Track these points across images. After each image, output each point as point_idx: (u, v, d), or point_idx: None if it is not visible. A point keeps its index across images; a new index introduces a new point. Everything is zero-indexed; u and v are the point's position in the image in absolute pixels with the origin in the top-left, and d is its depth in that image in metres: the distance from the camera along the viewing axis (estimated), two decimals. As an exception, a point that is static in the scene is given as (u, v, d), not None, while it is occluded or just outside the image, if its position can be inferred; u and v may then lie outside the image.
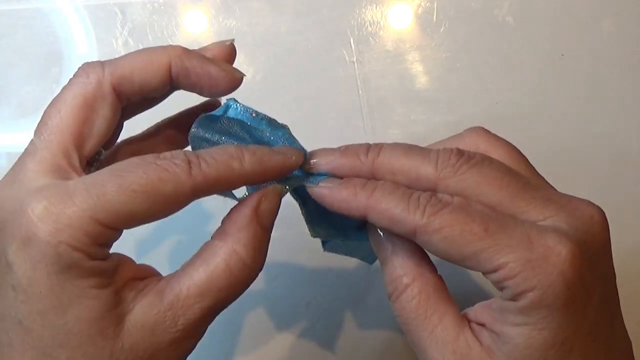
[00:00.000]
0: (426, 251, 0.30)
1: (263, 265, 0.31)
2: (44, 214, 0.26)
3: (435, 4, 0.58)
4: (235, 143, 0.33)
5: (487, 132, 0.33)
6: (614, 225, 0.30)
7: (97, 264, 0.27)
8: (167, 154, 0.29)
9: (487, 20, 0.58)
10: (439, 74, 0.56)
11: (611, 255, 0.30)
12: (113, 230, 0.27)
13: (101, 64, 0.31)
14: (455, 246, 0.27)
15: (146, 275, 0.30)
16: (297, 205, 0.35)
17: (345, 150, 0.32)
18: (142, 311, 0.28)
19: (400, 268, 0.30)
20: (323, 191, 0.31)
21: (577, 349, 0.27)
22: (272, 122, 0.33)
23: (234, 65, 0.34)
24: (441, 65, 0.56)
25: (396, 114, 0.55)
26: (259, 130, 0.33)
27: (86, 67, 0.31)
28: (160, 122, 0.37)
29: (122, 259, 0.30)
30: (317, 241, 0.35)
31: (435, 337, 0.29)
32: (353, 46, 0.56)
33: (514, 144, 0.33)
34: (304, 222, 0.35)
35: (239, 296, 0.30)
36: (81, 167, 0.30)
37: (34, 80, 0.55)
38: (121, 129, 0.35)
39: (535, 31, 0.57)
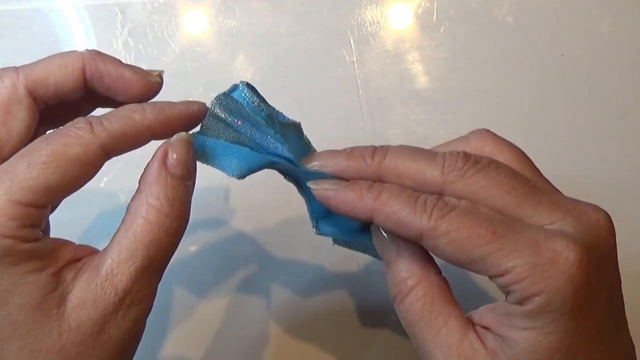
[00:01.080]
0: (431, 254, 0.30)
1: (187, 213, 0.31)
2: None
3: (435, 4, 0.58)
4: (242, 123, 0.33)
5: (493, 134, 0.33)
6: (618, 229, 0.30)
7: (30, 247, 0.27)
8: (69, 123, 0.29)
9: (487, 20, 0.58)
10: (439, 74, 0.56)
11: (617, 259, 0.30)
12: (37, 208, 0.28)
13: (16, 68, 0.32)
14: (462, 250, 0.27)
15: (86, 254, 0.31)
16: (297, 205, 0.34)
17: (351, 152, 0.32)
18: (81, 288, 0.29)
19: (405, 270, 0.30)
20: (328, 193, 0.31)
21: (582, 354, 0.27)
22: (271, 118, 0.32)
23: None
24: (441, 65, 0.56)
25: (396, 114, 0.55)
26: (256, 121, 0.32)
27: (0, 71, 0.32)
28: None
29: (60, 242, 0.30)
30: (318, 240, 0.35)
31: (439, 339, 0.29)
32: (353, 46, 0.56)
33: (514, 144, 0.33)
34: (304, 222, 0.35)
35: (172, 248, 0.30)
36: None
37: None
38: None
39: (535, 31, 0.57)
